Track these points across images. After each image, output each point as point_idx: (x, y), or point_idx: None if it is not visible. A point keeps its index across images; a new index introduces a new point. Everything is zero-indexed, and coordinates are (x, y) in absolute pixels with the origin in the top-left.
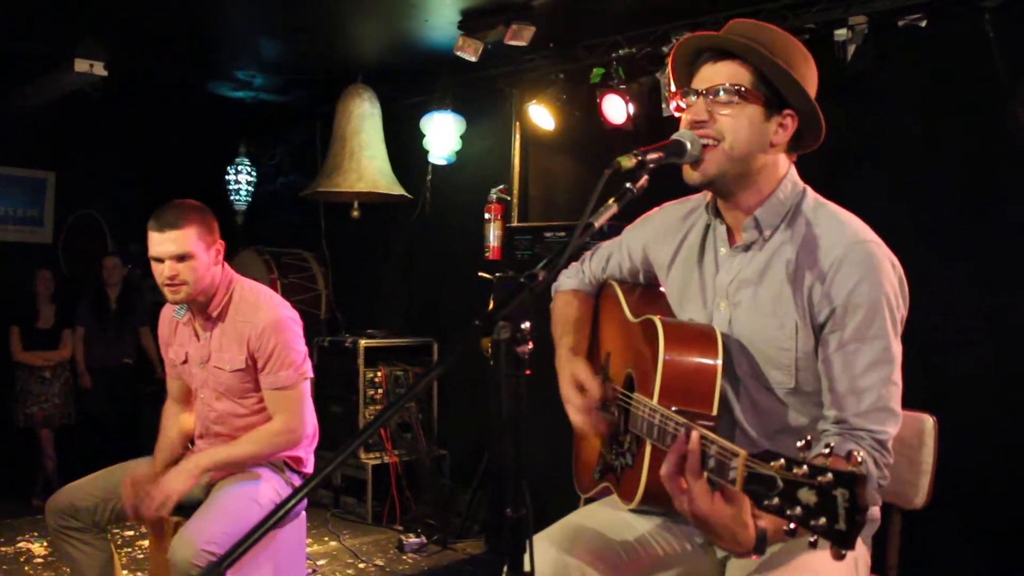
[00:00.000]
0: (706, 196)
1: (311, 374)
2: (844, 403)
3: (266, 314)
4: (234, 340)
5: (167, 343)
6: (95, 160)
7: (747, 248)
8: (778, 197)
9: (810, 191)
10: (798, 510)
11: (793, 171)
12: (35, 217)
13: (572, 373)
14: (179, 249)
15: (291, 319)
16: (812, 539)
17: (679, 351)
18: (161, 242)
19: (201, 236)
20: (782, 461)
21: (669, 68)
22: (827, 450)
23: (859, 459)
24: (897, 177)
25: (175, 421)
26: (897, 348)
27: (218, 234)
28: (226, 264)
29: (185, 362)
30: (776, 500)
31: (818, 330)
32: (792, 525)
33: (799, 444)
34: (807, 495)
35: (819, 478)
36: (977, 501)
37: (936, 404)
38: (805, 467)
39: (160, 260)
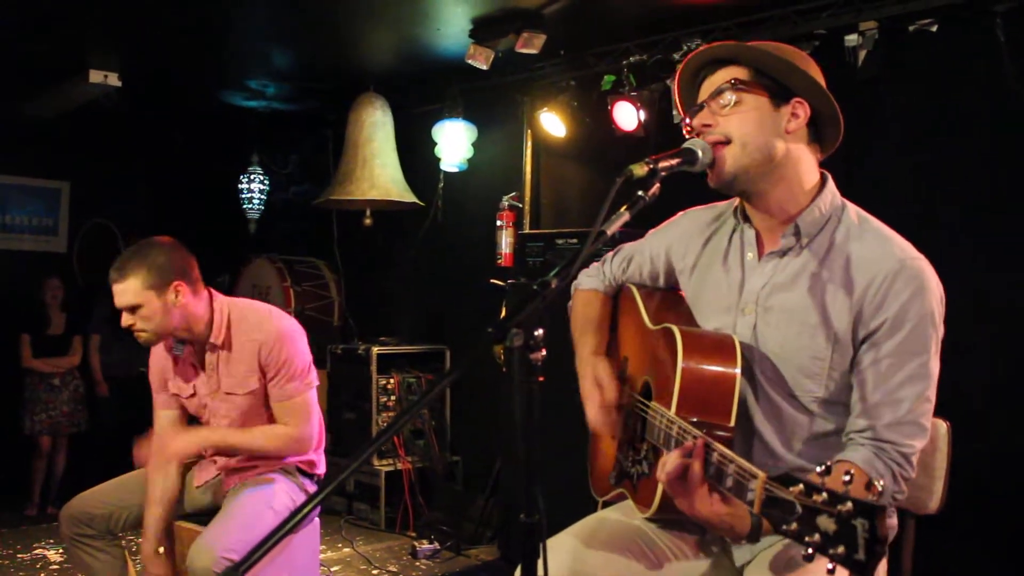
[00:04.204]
0: (734, 202)
1: (317, 383)
2: (876, 413)
3: (271, 327)
4: (243, 361)
5: (165, 377)
6: (109, 170)
7: (783, 255)
8: (819, 207)
9: (850, 205)
10: (816, 537)
11: (831, 182)
12: (50, 226)
13: (594, 373)
14: (125, 301)
15: (294, 330)
16: (830, 566)
17: (698, 361)
18: (115, 294)
19: (147, 284)
20: (801, 487)
21: (677, 98)
22: (847, 477)
23: (879, 489)
24: (907, 182)
25: (161, 489)
26: (935, 366)
27: (181, 272)
28: (214, 292)
29: (194, 395)
30: (795, 525)
31: (858, 344)
32: (809, 551)
33: (818, 470)
34: (826, 523)
35: (839, 507)
36: (992, 506)
37: (950, 409)
38: (825, 494)
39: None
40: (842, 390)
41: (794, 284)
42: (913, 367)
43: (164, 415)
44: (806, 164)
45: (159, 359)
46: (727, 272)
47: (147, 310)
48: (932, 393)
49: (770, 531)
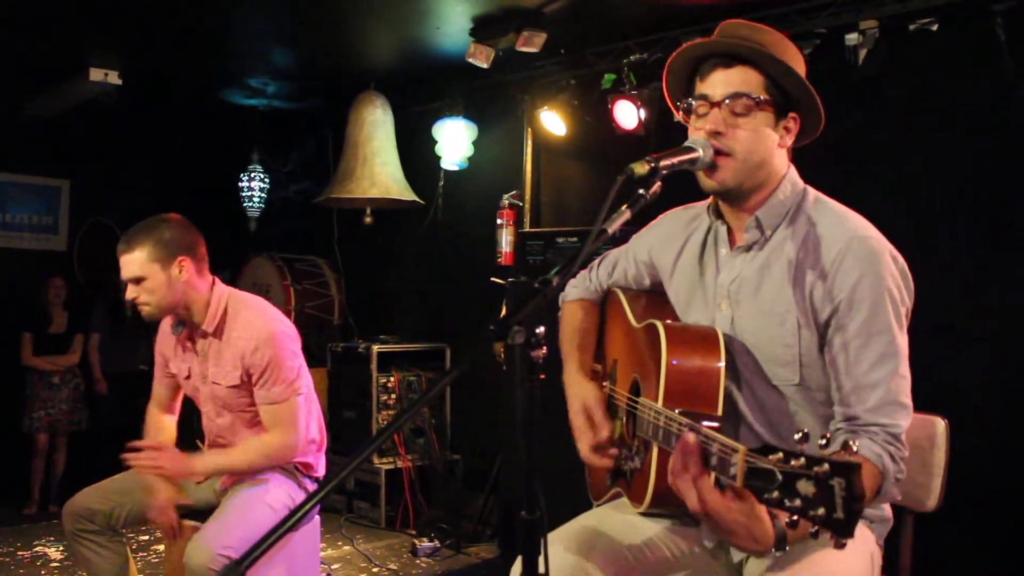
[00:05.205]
0: (708, 200)
1: (304, 391)
2: (853, 400)
3: (261, 329)
4: (229, 356)
5: (167, 356)
6: (109, 168)
7: (748, 248)
8: (778, 197)
9: (811, 190)
10: (797, 502)
11: (793, 171)
12: (50, 224)
13: (583, 402)
14: (131, 273)
15: (286, 334)
16: (813, 529)
17: (681, 354)
18: (121, 265)
19: (154, 256)
20: (780, 454)
21: (664, 76)
22: (823, 440)
23: (855, 448)
24: (906, 180)
25: (157, 427)
26: (903, 341)
27: (187, 248)
28: (217, 280)
29: (188, 377)
30: (776, 493)
31: (822, 328)
32: (794, 517)
33: (796, 436)
34: (805, 486)
35: (816, 469)
36: (989, 503)
37: (948, 406)
38: (802, 459)
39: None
40: (817, 376)
41: (759, 275)
42: (880, 347)
43: (157, 390)
44: (780, 163)
45: (164, 337)
46: (703, 269)
47: (151, 283)
48: (905, 368)
49: (798, 537)
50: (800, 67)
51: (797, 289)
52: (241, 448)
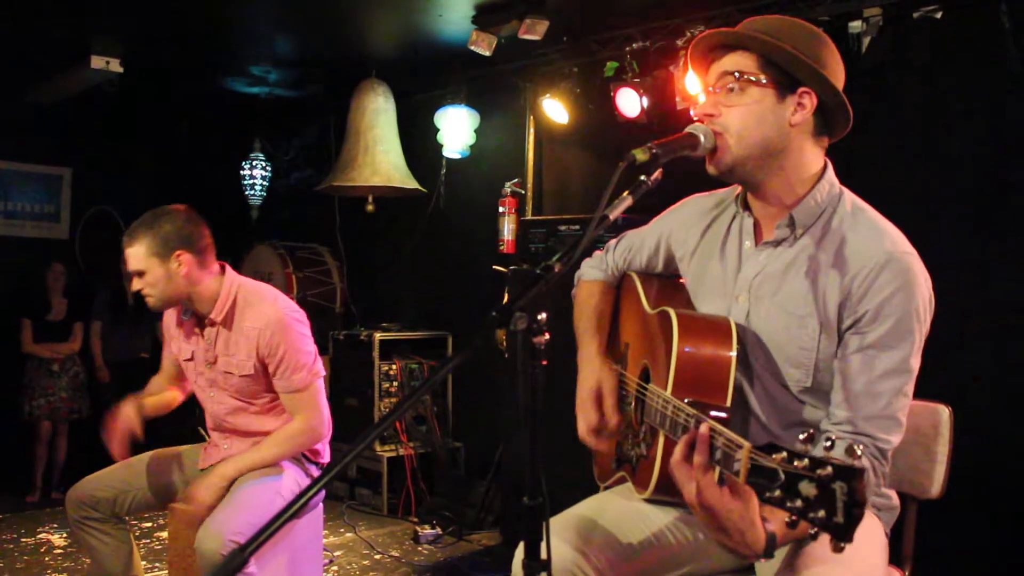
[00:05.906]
0: (735, 189)
1: (323, 372)
2: (855, 404)
3: (271, 316)
4: (242, 345)
5: (170, 336)
6: (111, 156)
7: (776, 245)
8: (815, 198)
9: (847, 193)
10: (798, 502)
11: (830, 171)
12: (52, 213)
13: (598, 385)
14: (133, 266)
15: (296, 319)
16: (812, 531)
17: (693, 343)
18: (125, 257)
19: (152, 251)
20: (784, 454)
21: (697, 76)
22: (828, 443)
23: (859, 453)
24: (911, 169)
25: (158, 388)
26: (915, 363)
27: (185, 242)
28: (228, 268)
29: (191, 359)
30: (778, 492)
31: (843, 332)
32: (793, 517)
33: (801, 437)
34: (807, 488)
35: (819, 471)
36: (992, 491)
37: (952, 395)
38: (806, 460)
39: None
40: (827, 380)
41: (785, 274)
42: (893, 362)
43: (168, 364)
44: (809, 155)
45: (169, 315)
46: (724, 259)
47: (151, 277)
48: (910, 388)
49: (784, 541)
50: (822, 49)
51: (823, 296)
52: (270, 441)
